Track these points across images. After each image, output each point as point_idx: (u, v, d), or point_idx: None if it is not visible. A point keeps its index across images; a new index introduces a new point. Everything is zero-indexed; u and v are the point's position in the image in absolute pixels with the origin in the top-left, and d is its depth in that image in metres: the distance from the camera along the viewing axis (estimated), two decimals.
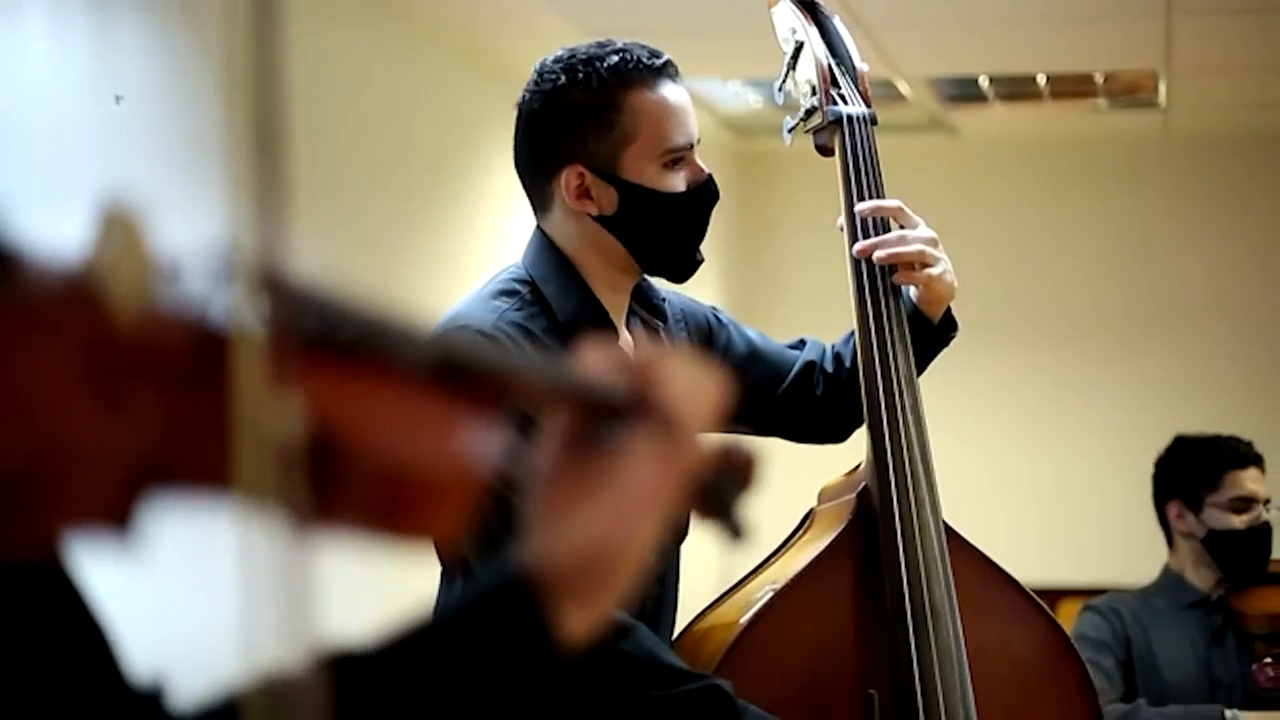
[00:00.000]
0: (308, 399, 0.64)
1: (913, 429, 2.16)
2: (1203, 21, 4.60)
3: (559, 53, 2.08)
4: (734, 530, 0.95)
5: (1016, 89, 5.58)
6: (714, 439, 0.92)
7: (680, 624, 2.22)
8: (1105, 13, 4.55)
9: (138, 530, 0.61)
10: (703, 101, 5.72)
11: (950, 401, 6.49)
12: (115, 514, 0.60)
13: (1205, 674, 3.39)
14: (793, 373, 2.31)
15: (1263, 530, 3.40)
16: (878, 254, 2.19)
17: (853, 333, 2.29)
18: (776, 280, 6.52)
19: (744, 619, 2.11)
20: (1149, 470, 3.60)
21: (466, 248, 4.66)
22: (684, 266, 2.12)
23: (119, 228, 0.59)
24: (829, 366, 2.32)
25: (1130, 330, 6.46)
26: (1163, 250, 6.47)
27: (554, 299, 2.05)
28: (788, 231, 6.57)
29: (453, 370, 0.74)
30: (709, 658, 2.08)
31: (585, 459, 0.87)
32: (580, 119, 2.03)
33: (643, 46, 2.08)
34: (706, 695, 1.93)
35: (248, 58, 0.62)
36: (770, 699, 2.06)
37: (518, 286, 2.06)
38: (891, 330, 2.19)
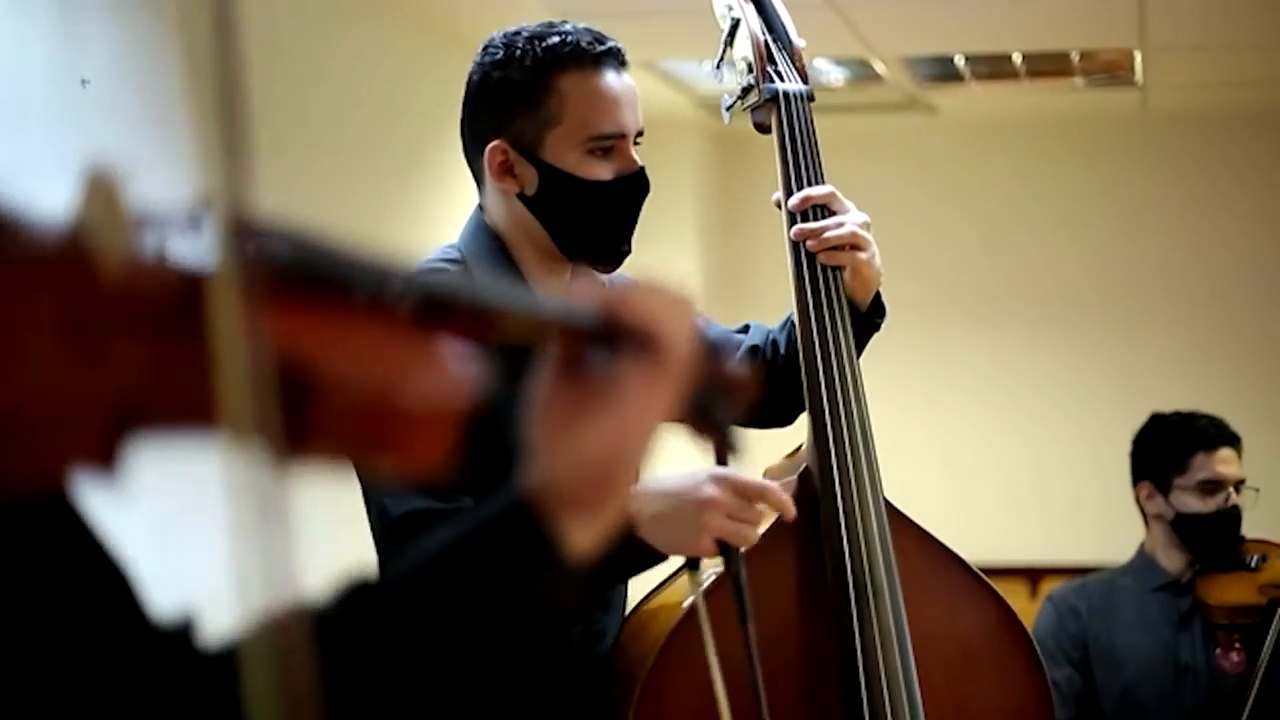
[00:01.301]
0: (282, 337, 0.68)
1: (854, 410, 2.14)
2: None
3: (508, 29, 2.07)
4: (729, 446, 0.99)
5: (993, 68, 5.56)
6: (703, 360, 0.96)
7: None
8: None
9: (124, 469, 0.65)
10: (680, 82, 5.70)
11: (931, 380, 6.51)
12: (101, 453, 0.64)
13: (1170, 659, 3.36)
14: (738, 358, 2.29)
15: (1231, 513, 3.35)
16: (810, 244, 2.18)
17: (790, 318, 2.29)
18: (755, 258, 6.49)
19: (688, 602, 2.10)
20: (1130, 449, 3.57)
21: (436, 224, 4.63)
22: (608, 256, 2.09)
23: (101, 189, 0.65)
24: (769, 353, 2.30)
25: (1113, 307, 6.44)
26: (1143, 228, 6.45)
27: (483, 279, 2.04)
28: (767, 210, 6.54)
29: (436, 306, 0.79)
30: (655, 639, 2.07)
31: (578, 385, 0.92)
32: (510, 96, 2.03)
33: (590, 31, 2.06)
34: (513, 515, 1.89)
35: (205, 17, 0.68)
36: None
37: (448, 266, 2.05)
38: (831, 311, 2.17)
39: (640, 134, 2.08)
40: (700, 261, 6.40)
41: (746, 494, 1.84)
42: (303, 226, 0.74)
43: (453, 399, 0.77)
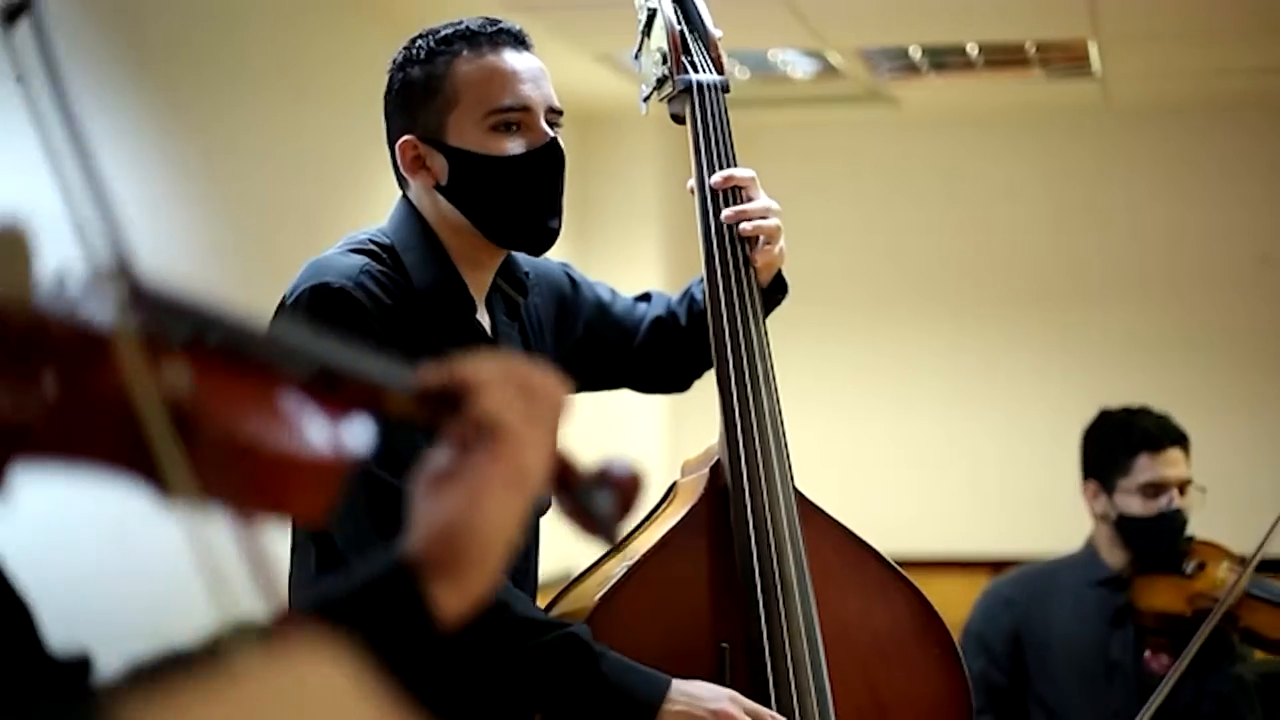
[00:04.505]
0: (172, 386, 0.75)
1: (764, 402, 2.13)
2: None
3: (410, 37, 2.10)
4: (598, 530, 1.06)
5: (950, 60, 5.55)
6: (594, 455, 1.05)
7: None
8: None
9: (7, 487, 0.71)
10: (638, 75, 5.67)
11: (892, 373, 6.51)
12: None
13: (1101, 655, 3.35)
14: (643, 329, 2.32)
15: (1173, 517, 3.31)
16: (744, 225, 2.17)
17: (689, 291, 2.31)
18: None
19: (599, 595, 2.09)
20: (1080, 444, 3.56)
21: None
22: (534, 235, 2.07)
23: (8, 243, 0.71)
24: (671, 323, 2.33)
25: (1076, 300, 6.44)
26: (1106, 221, 6.45)
27: (413, 267, 2.04)
28: None
29: (329, 376, 0.88)
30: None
31: (453, 459, 1.00)
32: (411, 92, 2.05)
33: (487, 17, 2.07)
34: (563, 644, 1.93)
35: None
36: None
37: (376, 249, 2.05)
38: (744, 301, 2.16)
39: (558, 112, 2.07)
40: (662, 252, 6.39)
41: (757, 719, 1.98)
42: (201, 294, 0.81)
43: (331, 457, 0.84)
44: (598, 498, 1.05)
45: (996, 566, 6.04)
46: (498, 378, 1.01)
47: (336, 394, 0.88)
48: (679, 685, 1.97)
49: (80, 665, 0.89)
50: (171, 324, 0.79)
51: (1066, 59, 5.56)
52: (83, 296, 0.75)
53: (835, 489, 2.20)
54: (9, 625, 0.86)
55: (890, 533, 2.25)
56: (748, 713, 1.97)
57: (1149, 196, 6.41)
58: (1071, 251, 6.46)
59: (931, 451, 6.42)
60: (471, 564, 0.98)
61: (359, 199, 4.53)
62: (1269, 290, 6.26)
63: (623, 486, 1.06)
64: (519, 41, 2.06)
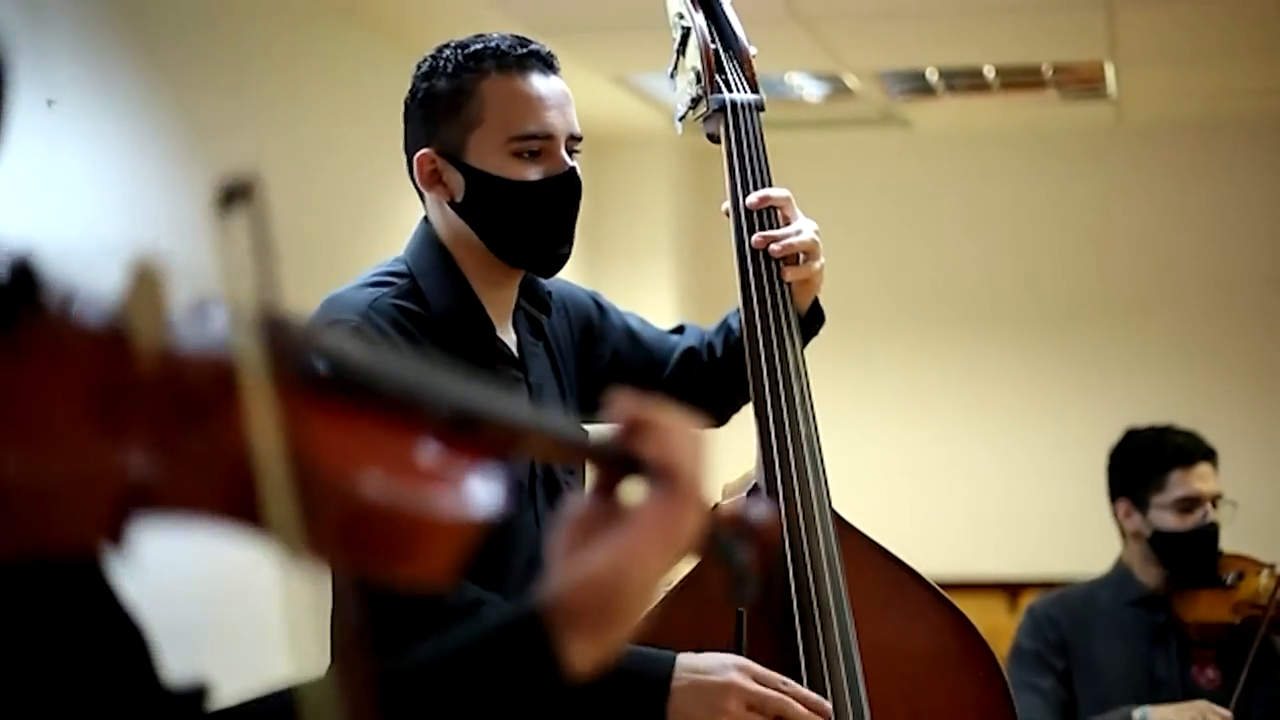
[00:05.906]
0: (300, 437, 0.71)
1: (800, 424, 2.11)
2: (1144, 11, 4.57)
3: (437, 46, 2.08)
4: (742, 587, 0.99)
5: (965, 82, 5.55)
6: (734, 504, 1.00)
7: None
8: (1047, 4, 4.52)
9: (129, 545, 0.67)
10: (651, 97, 5.67)
11: (908, 394, 6.48)
12: (109, 526, 0.67)
13: (1146, 673, 3.34)
14: (674, 360, 2.29)
15: (1208, 531, 3.33)
16: (774, 247, 2.15)
17: (725, 322, 2.28)
18: (730, 273, 6.48)
19: None
20: (1105, 460, 3.55)
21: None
22: (544, 259, 2.07)
23: (145, 281, 0.67)
24: (705, 355, 2.29)
25: (1087, 320, 6.43)
26: (1120, 241, 6.44)
27: (430, 292, 2.04)
28: None
29: (466, 422, 0.82)
30: None
31: (599, 509, 0.96)
32: (435, 104, 2.03)
33: (517, 37, 2.05)
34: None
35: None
36: None
37: (394, 279, 2.04)
38: (780, 323, 2.14)
39: (577, 139, 2.06)
40: (674, 275, 6.38)
41: (769, 685, 1.93)
42: (336, 337, 0.78)
43: (466, 515, 0.78)
44: (737, 550, 0.99)
45: (1014, 589, 6.03)
46: (678, 425, 0.97)
47: (475, 438, 0.82)
48: (684, 660, 1.93)
49: (197, 694, 0.88)
50: (305, 365, 0.75)
51: (1081, 81, 5.56)
52: (216, 334, 0.71)
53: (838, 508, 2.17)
54: (128, 655, 0.85)
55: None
56: (757, 679, 1.93)
57: (1161, 217, 6.40)
58: (1085, 272, 6.45)
59: (948, 474, 6.39)
60: (616, 620, 0.94)
61: (378, 217, 4.52)
62: (1278, 311, 6.24)
63: (761, 535, 1.00)
64: (547, 65, 2.05)
